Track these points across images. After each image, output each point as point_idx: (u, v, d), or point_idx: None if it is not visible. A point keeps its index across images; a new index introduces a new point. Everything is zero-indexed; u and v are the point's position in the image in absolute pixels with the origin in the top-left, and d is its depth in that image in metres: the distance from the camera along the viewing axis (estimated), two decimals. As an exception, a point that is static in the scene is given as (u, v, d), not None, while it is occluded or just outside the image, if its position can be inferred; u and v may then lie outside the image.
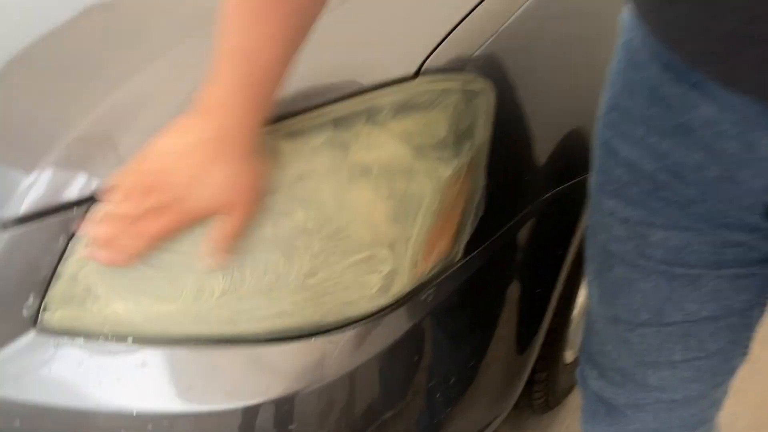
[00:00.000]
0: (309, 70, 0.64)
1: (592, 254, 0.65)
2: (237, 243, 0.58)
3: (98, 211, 0.58)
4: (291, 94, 0.62)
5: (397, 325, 0.63)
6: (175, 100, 0.63)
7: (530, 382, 1.08)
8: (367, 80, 0.63)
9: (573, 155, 0.79)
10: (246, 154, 0.56)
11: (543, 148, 0.74)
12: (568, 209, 0.81)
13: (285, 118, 0.61)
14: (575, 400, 1.35)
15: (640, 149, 0.53)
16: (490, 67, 0.67)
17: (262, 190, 0.58)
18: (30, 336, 0.61)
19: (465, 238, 0.67)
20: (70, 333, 0.61)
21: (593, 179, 0.61)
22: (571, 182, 0.79)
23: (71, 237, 0.60)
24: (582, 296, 1.18)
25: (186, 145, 0.55)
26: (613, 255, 0.61)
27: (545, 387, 1.11)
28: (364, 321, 0.62)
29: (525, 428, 1.30)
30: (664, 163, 0.52)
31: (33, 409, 0.60)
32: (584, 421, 0.78)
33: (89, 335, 0.60)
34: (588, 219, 0.64)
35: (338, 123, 0.62)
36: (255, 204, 0.58)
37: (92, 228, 0.58)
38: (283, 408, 0.59)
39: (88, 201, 0.60)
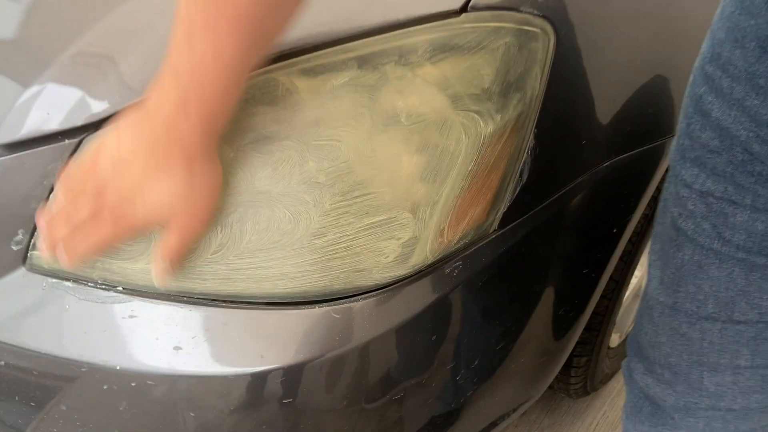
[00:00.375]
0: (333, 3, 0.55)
1: (661, 230, 0.56)
2: (182, 263, 0.52)
3: (46, 207, 0.53)
4: (310, 26, 0.53)
5: (414, 300, 0.56)
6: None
7: (568, 366, 1.00)
8: (403, 13, 0.54)
9: (641, 119, 0.67)
10: (197, 163, 0.48)
11: (606, 108, 0.63)
12: (628, 182, 0.70)
13: (301, 52, 0.53)
14: (616, 386, 1.26)
15: (736, 111, 0.45)
16: (551, 7, 0.56)
17: (212, 208, 0.51)
18: (19, 273, 0.57)
19: (503, 206, 0.58)
20: (59, 275, 0.56)
21: (676, 142, 0.52)
22: (634, 151, 0.68)
23: (63, 169, 0.55)
24: (637, 277, 1.07)
25: (129, 148, 0.47)
26: (684, 234, 0.52)
27: (584, 372, 1.03)
28: (376, 292, 0.55)
29: (559, 413, 1.22)
30: (762, 131, 0.43)
31: (18, 352, 0.56)
32: (626, 416, 0.69)
33: (78, 279, 0.56)
34: (663, 189, 0.54)
35: (364, 62, 0.53)
36: (202, 222, 0.51)
37: (40, 223, 0.52)
38: (277, 380, 0.53)
39: (81, 130, 0.54)
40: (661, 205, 0.57)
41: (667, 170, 0.75)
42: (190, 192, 0.48)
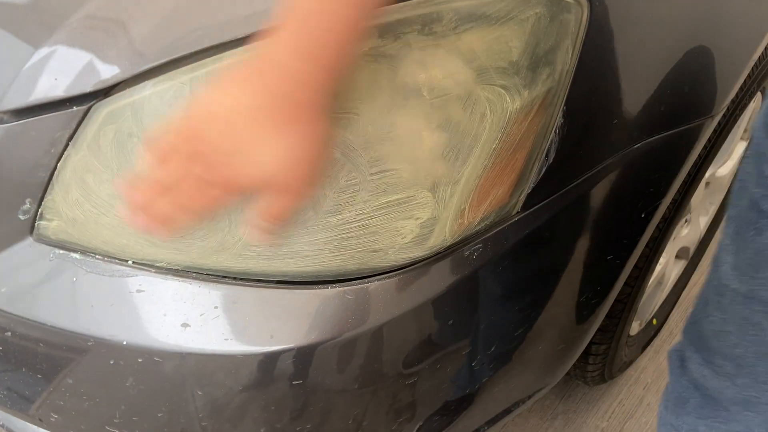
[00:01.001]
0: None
1: (736, 213, 0.53)
2: (284, 226, 0.49)
3: (134, 171, 0.50)
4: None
5: (432, 283, 0.53)
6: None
7: (586, 353, 0.98)
8: (428, -21, 0.51)
9: (676, 98, 0.64)
10: (310, 122, 0.45)
11: (639, 86, 0.60)
12: (659, 165, 0.67)
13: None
14: (633, 374, 1.24)
15: None
16: (586, -24, 0.53)
17: (322, 169, 0.48)
18: (27, 243, 0.56)
19: (527, 188, 0.56)
20: (66, 246, 0.54)
21: (761, 118, 0.49)
22: (667, 132, 0.64)
23: (71, 137, 0.53)
24: (661, 264, 1.04)
25: (238, 106, 0.44)
26: (766, 216, 0.48)
27: (603, 360, 1.00)
28: (392, 273, 0.52)
29: (574, 399, 1.20)
30: None
31: (24, 323, 0.55)
32: (666, 407, 0.66)
33: (86, 250, 0.54)
34: (741, 169, 0.52)
35: (385, 31, 0.50)
36: (312, 185, 0.48)
37: (127, 190, 0.49)
38: (287, 361, 0.51)
39: (89, 97, 0.52)
40: (737, 186, 0.53)
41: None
42: (302, 150, 0.46)
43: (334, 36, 0.43)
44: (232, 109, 0.44)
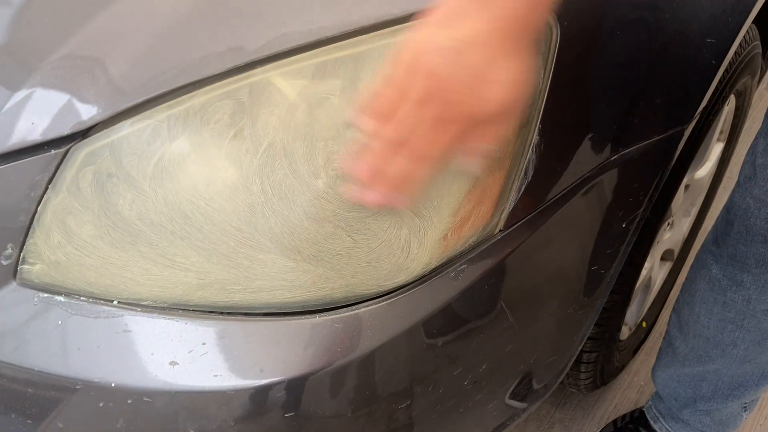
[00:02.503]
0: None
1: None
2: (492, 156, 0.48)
3: (355, 142, 0.48)
4: (301, 24, 0.51)
5: (418, 306, 0.54)
6: (171, 20, 0.54)
7: (578, 362, 0.98)
8: (397, 9, 0.52)
9: (648, 110, 0.65)
10: (528, 50, 0.45)
11: (613, 101, 0.61)
12: (637, 175, 0.68)
13: (293, 53, 0.50)
14: (626, 378, 1.25)
15: None
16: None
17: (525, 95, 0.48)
18: (10, 288, 0.55)
19: (508, 206, 0.56)
20: (50, 289, 0.54)
21: None
22: (642, 143, 0.66)
23: (50, 180, 0.53)
24: (646, 269, 1.05)
25: (460, 39, 0.43)
26: None
27: (595, 367, 1.01)
28: (378, 299, 0.53)
29: (569, 407, 1.20)
30: None
31: (12, 369, 0.54)
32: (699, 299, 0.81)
33: (70, 293, 0.54)
34: None
35: (359, 61, 0.51)
36: (520, 110, 0.48)
37: (352, 165, 0.47)
38: (278, 394, 0.51)
39: (67, 140, 0.52)
40: None
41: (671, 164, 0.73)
42: (528, 73, 0.45)
43: None
44: (463, 40, 0.43)
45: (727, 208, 0.79)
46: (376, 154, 0.46)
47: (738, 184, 0.76)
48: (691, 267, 0.89)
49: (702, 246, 0.87)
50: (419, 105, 0.44)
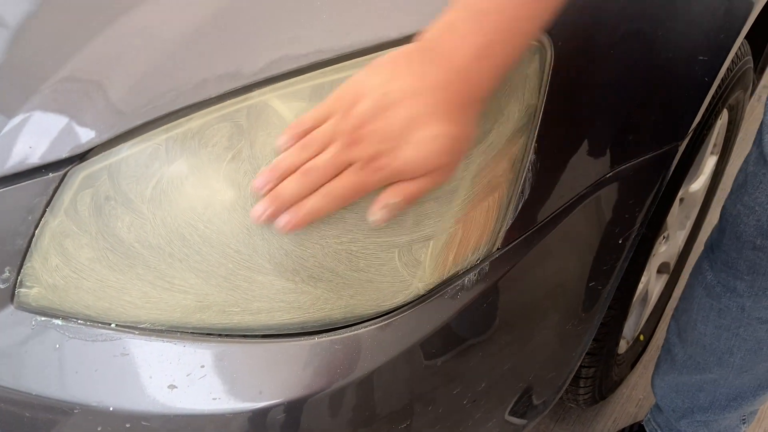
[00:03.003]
0: (330, 19, 0.53)
1: None
2: (406, 207, 0.49)
3: (278, 161, 0.48)
4: (300, 47, 0.52)
5: (418, 326, 0.54)
6: (173, 42, 0.54)
7: (577, 377, 0.98)
8: (395, 32, 0.52)
9: (642, 128, 0.66)
10: (471, 112, 0.46)
11: (606, 118, 0.61)
12: (632, 191, 0.68)
13: (291, 75, 0.51)
14: (625, 392, 1.24)
15: None
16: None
17: (464, 156, 0.49)
18: (8, 311, 0.55)
19: (506, 225, 0.56)
20: (48, 312, 0.54)
21: None
22: (637, 160, 0.66)
23: (48, 203, 0.53)
24: (643, 282, 1.05)
25: (399, 91, 0.44)
26: None
27: (593, 382, 1.01)
28: (377, 320, 0.53)
29: (569, 422, 1.20)
30: None
31: (9, 393, 0.54)
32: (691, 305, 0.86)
33: (67, 316, 0.54)
34: None
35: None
36: (452, 173, 0.49)
37: (269, 182, 0.47)
38: (278, 416, 0.51)
39: (65, 163, 0.52)
40: None
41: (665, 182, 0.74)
42: (460, 139, 0.46)
43: (512, 37, 0.44)
44: (399, 91, 0.44)
45: (720, 215, 0.80)
46: (279, 175, 0.47)
47: (731, 191, 0.78)
48: (690, 274, 0.90)
49: (701, 253, 0.87)
50: (339, 146, 0.45)
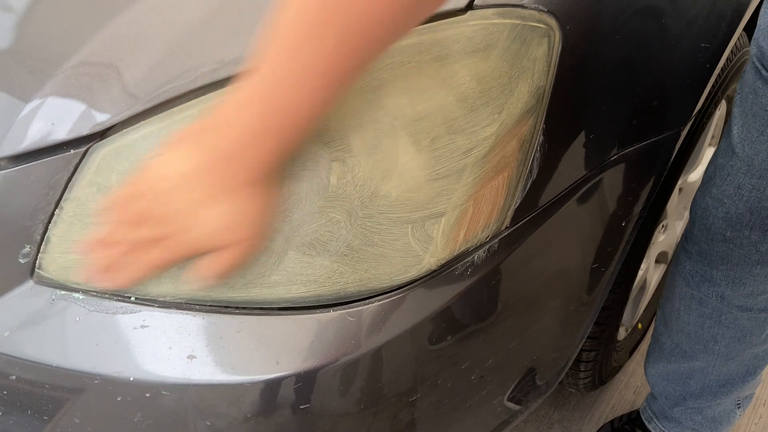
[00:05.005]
0: None
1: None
2: (222, 281, 0.51)
3: (93, 231, 0.53)
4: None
5: (428, 301, 0.55)
6: (185, 26, 0.56)
7: (577, 361, 1.00)
8: (408, 12, 0.53)
9: (646, 112, 0.67)
10: (263, 185, 0.47)
11: (612, 101, 0.63)
12: (635, 175, 0.70)
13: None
14: (623, 378, 1.26)
15: None
16: (555, 2, 0.56)
17: (268, 228, 0.50)
18: (28, 286, 0.56)
19: (514, 203, 0.58)
20: (68, 286, 0.55)
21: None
22: (639, 144, 0.68)
23: (69, 180, 0.54)
24: (642, 269, 1.07)
25: (185, 172, 0.46)
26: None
27: (593, 366, 1.02)
28: (390, 294, 0.54)
29: (568, 407, 1.22)
30: None
31: (29, 366, 0.55)
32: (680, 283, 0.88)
33: (87, 290, 0.55)
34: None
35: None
36: (257, 245, 0.50)
37: (87, 250, 0.52)
38: (293, 386, 0.52)
39: (87, 140, 0.54)
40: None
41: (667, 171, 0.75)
42: (252, 215, 0.47)
43: (300, 110, 0.43)
44: (184, 171, 0.46)
45: (690, 208, 0.82)
46: (107, 248, 0.50)
47: (701, 184, 0.79)
48: (670, 263, 0.91)
49: (678, 244, 0.89)
50: (141, 223, 0.48)
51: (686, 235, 0.84)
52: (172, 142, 0.48)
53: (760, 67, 0.64)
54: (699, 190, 0.79)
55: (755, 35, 0.65)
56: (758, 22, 0.64)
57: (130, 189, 0.49)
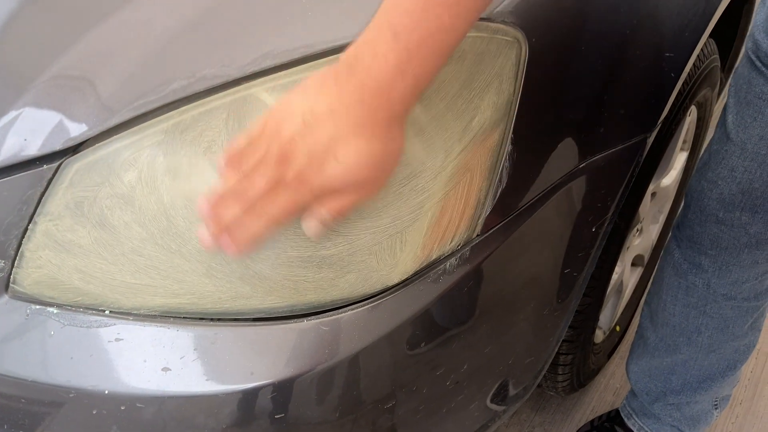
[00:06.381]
0: (316, 14, 0.56)
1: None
2: (338, 223, 0.51)
3: (213, 189, 0.50)
4: (286, 42, 0.54)
5: (401, 308, 0.56)
6: (158, 40, 0.56)
7: (555, 364, 1.01)
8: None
9: (612, 121, 0.69)
10: (396, 125, 0.48)
11: (579, 112, 0.65)
12: (604, 181, 0.72)
13: (278, 69, 0.53)
14: (602, 381, 1.28)
15: None
16: (522, 16, 0.57)
17: (389, 175, 0.51)
18: (2, 301, 0.56)
19: (485, 212, 0.59)
20: (42, 301, 0.55)
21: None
22: (607, 152, 0.69)
23: (42, 195, 0.54)
24: (617, 273, 1.09)
25: (322, 110, 0.46)
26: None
27: (571, 369, 1.04)
28: (363, 302, 0.55)
29: (549, 411, 1.23)
30: None
31: (4, 380, 0.55)
32: (660, 293, 0.93)
33: (62, 304, 0.55)
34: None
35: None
36: (381, 186, 0.50)
37: (207, 210, 0.50)
38: (268, 396, 0.53)
39: (60, 155, 0.54)
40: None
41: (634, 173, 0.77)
42: (385, 154, 0.48)
43: (430, 54, 0.45)
44: (322, 110, 0.46)
45: (686, 193, 0.86)
46: (230, 203, 0.49)
47: (695, 171, 0.83)
48: (660, 257, 0.95)
49: (669, 235, 0.92)
50: (270, 166, 0.47)
51: (678, 223, 0.88)
52: (303, 83, 0.48)
53: (755, 58, 0.69)
54: (694, 176, 0.83)
55: (750, 30, 0.71)
56: (753, 19, 0.70)
57: (258, 131, 0.48)
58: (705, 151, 0.81)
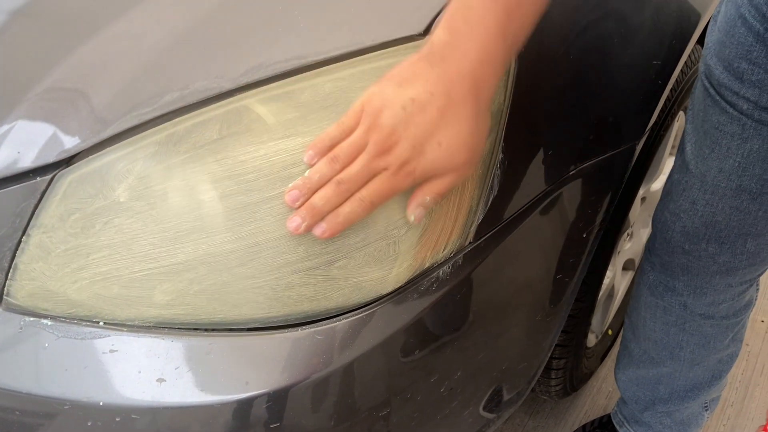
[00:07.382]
0: (307, 26, 0.56)
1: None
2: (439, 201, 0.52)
3: (310, 174, 0.50)
4: (279, 53, 0.55)
5: (395, 317, 0.57)
6: (151, 52, 0.57)
7: (548, 369, 1.02)
8: (369, 39, 0.55)
9: (601, 128, 0.70)
10: (483, 113, 0.49)
11: (569, 120, 0.66)
12: (594, 188, 0.72)
13: (271, 80, 0.54)
14: (595, 384, 1.29)
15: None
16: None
17: (479, 157, 0.52)
18: (-4, 313, 0.56)
19: (477, 219, 0.60)
20: (36, 312, 0.55)
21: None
22: (597, 159, 0.70)
23: (36, 207, 0.54)
24: (608, 278, 1.10)
25: (415, 99, 0.47)
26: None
27: (564, 373, 1.05)
28: (357, 311, 0.55)
29: (542, 415, 1.24)
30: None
31: (-2, 393, 0.55)
32: (638, 307, 0.91)
33: (56, 316, 0.55)
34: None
35: (333, 87, 0.54)
36: (475, 166, 0.52)
37: (302, 195, 0.50)
38: (264, 405, 0.53)
39: (53, 167, 0.54)
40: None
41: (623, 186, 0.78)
42: (480, 134, 0.49)
43: (505, 44, 0.48)
44: (415, 100, 0.47)
45: (651, 222, 0.84)
46: (324, 188, 0.50)
47: (660, 199, 0.81)
48: (635, 273, 0.94)
49: (643, 254, 0.92)
50: (371, 156, 0.48)
51: (649, 247, 0.87)
52: (392, 72, 0.49)
53: (708, 85, 0.66)
54: (658, 205, 0.82)
55: (703, 53, 0.67)
56: (705, 41, 0.67)
57: (352, 118, 0.49)
58: (668, 179, 0.79)
